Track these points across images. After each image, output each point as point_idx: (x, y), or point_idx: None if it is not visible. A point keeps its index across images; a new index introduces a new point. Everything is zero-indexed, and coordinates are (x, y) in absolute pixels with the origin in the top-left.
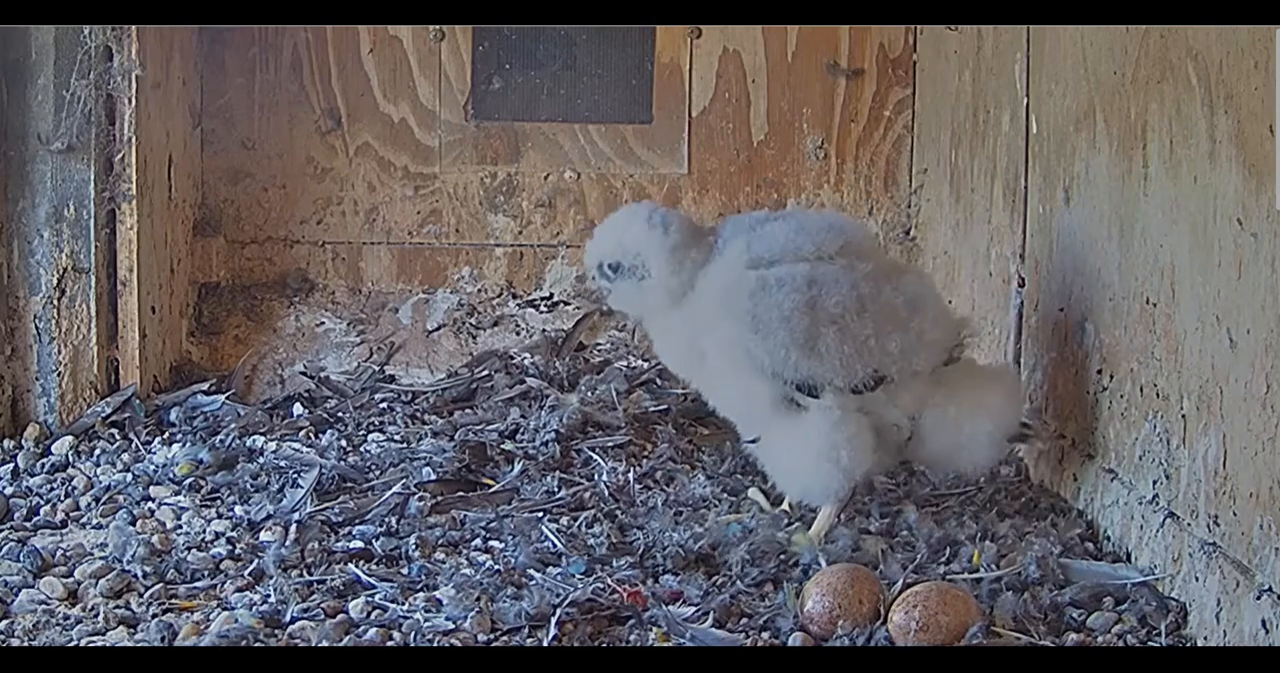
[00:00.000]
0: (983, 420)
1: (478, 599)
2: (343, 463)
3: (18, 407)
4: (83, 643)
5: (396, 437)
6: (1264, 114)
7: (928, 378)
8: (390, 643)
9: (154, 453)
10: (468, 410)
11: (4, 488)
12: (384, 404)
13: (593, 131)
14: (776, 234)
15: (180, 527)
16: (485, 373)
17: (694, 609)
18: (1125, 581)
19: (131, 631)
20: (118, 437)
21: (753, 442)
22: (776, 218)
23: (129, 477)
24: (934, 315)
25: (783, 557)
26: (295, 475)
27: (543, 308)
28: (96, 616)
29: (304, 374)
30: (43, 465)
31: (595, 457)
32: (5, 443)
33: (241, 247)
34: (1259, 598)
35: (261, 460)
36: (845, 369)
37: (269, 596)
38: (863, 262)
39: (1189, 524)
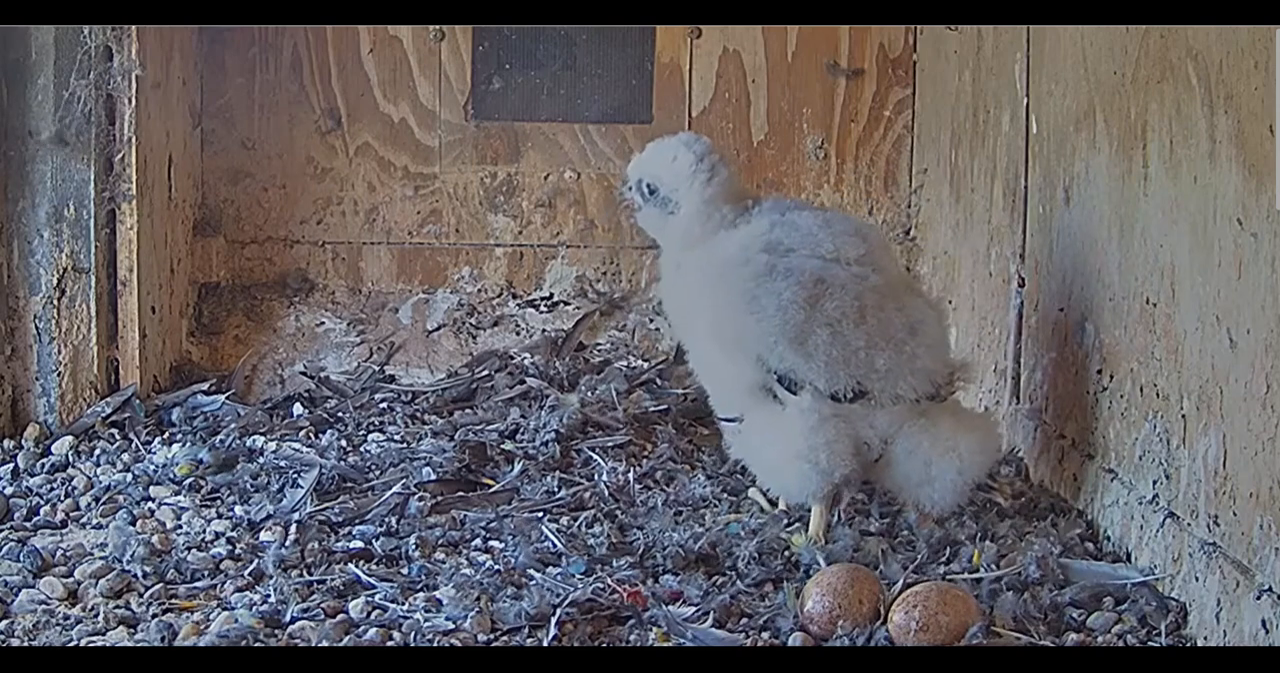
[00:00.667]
0: (952, 463)
1: (478, 599)
2: (343, 463)
3: (18, 407)
4: (83, 643)
5: (396, 437)
6: (1264, 114)
7: (910, 406)
8: (390, 643)
9: (154, 453)
10: (468, 410)
11: (4, 488)
12: (384, 404)
13: (593, 131)
14: (801, 225)
15: (180, 527)
16: (485, 373)
17: (694, 609)
18: (1125, 581)
19: (131, 631)
20: (118, 437)
21: (729, 420)
22: (808, 210)
23: (129, 477)
24: (931, 344)
25: (788, 555)
26: (295, 475)
27: (543, 308)
28: (96, 616)
29: (304, 374)
30: (43, 465)
31: (595, 457)
32: (5, 443)
33: (241, 247)
34: (1259, 598)
35: (261, 460)
36: (829, 373)
37: (269, 596)
38: (876, 274)
39: (1189, 524)
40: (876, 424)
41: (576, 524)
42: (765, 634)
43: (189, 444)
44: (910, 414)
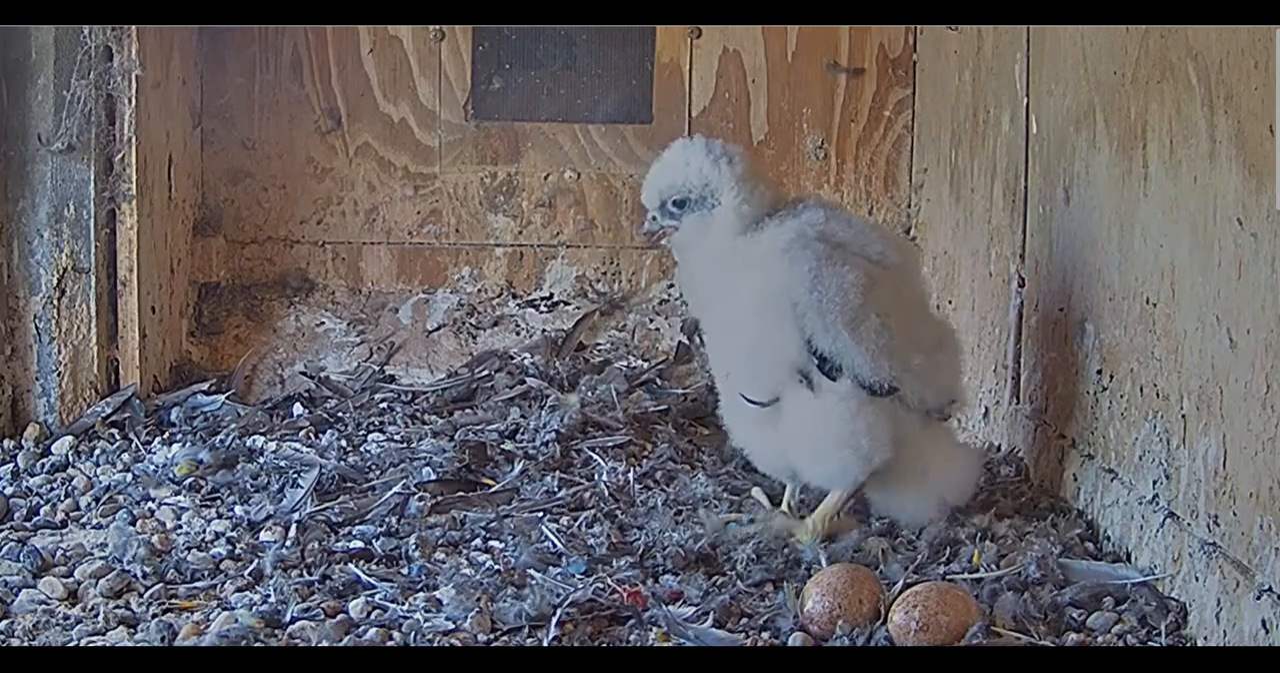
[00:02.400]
0: (942, 481)
1: (478, 599)
2: (343, 463)
3: (18, 407)
4: (83, 643)
5: (396, 437)
6: (1264, 114)
7: (920, 418)
8: (390, 643)
9: (154, 453)
10: (468, 410)
11: (4, 488)
12: (384, 404)
13: (593, 131)
14: (853, 223)
15: (180, 527)
16: (485, 373)
17: (694, 609)
18: (1125, 581)
19: (131, 631)
20: (118, 437)
21: (756, 403)
22: (851, 213)
23: (129, 477)
24: (951, 363)
25: (786, 553)
26: (295, 475)
27: (543, 308)
28: (96, 616)
29: (304, 374)
30: (43, 465)
31: (595, 457)
32: (5, 443)
33: (241, 247)
34: (1259, 598)
35: (261, 460)
36: (875, 362)
37: (269, 596)
38: (908, 286)
39: (1189, 524)
40: (897, 424)
41: (576, 524)
42: (765, 634)
43: (189, 444)
44: (920, 423)
